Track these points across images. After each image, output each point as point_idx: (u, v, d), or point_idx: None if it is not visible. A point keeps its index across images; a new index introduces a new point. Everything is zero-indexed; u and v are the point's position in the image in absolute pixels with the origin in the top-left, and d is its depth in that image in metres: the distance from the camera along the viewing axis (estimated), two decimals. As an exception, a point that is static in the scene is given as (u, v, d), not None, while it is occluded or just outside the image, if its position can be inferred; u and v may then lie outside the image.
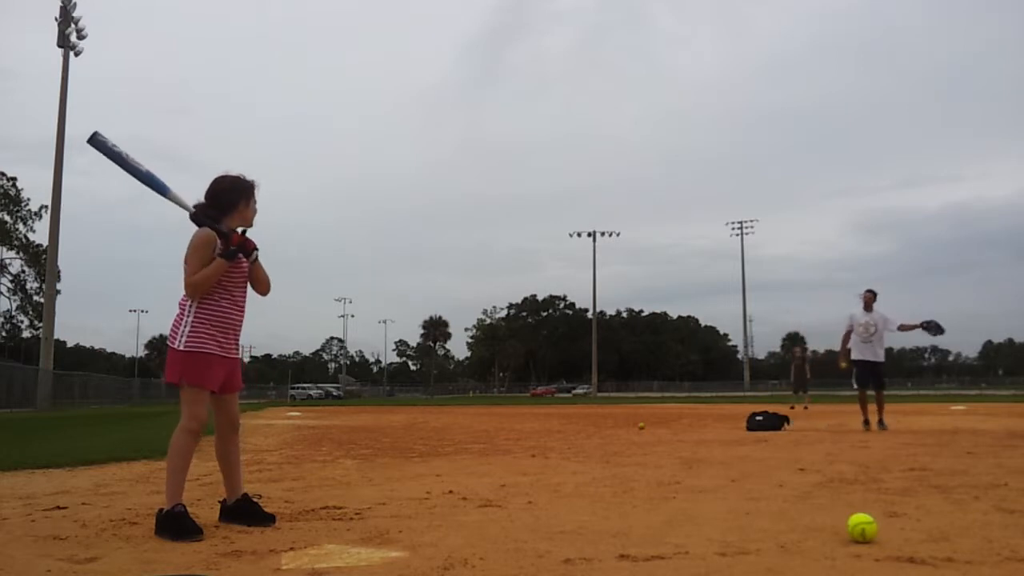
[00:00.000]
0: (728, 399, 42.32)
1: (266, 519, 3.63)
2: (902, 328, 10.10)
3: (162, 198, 3.54)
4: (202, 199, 3.60)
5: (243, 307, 3.69)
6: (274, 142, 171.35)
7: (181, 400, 3.49)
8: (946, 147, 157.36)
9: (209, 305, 3.53)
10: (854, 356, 10.21)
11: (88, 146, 3.51)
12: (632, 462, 6.53)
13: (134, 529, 3.56)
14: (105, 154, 3.49)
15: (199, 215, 3.54)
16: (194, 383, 3.46)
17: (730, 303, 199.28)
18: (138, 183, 3.54)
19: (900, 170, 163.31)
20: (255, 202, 3.71)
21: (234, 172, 3.69)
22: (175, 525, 3.32)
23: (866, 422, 10.14)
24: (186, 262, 3.52)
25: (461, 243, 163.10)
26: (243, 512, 3.66)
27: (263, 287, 3.76)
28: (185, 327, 3.48)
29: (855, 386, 10.44)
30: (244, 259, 3.60)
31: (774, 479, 5.15)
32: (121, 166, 3.50)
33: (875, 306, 10.14)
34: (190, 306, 3.51)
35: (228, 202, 3.59)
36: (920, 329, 9.99)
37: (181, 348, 3.46)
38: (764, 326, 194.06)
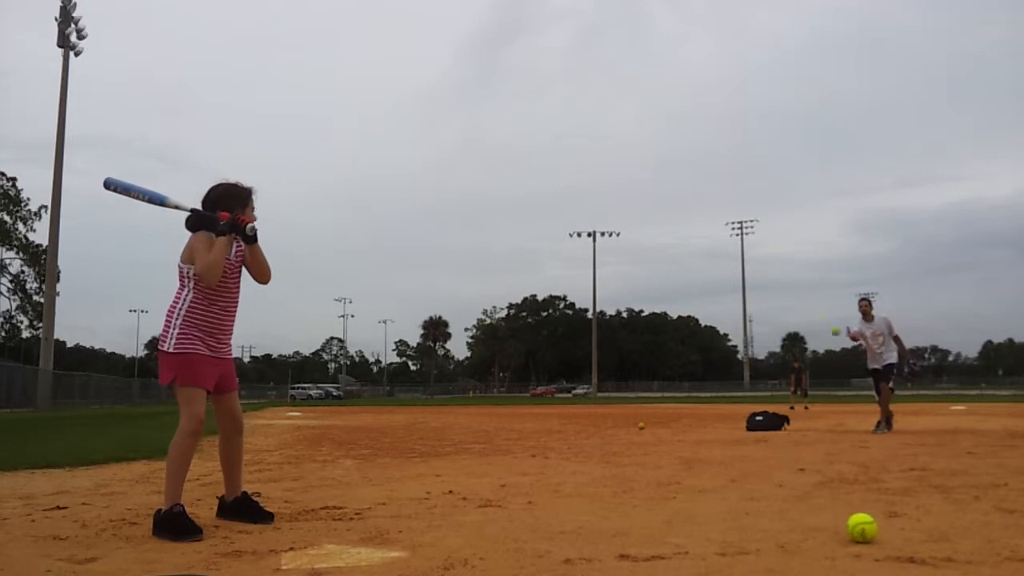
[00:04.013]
0: (728, 399, 42.32)
1: (265, 516, 3.66)
2: (896, 340, 9.96)
3: (163, 207, 3.55)
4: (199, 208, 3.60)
5: (233, 310, 3.69)
6: (274, 142, 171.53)
7: (178, 402, 3.51)
8: (946, 147, 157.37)
9: (196, 310, 3.55)
10: (870, 365, 10.08)
11: (106, 187, 3.58)
12: (632, 462, 6.53)
13: (134, 529, 3.56)
14: (120, 191, 3.56)
15: (192, 220, 3.53)
16: (187, 383, 3.49)
17: (730, 303, 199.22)
18: (144, 202, 3.57)
19: (900, 170, 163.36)
20: (252, 208, 3.70)
21: (231, 179, 3.68)
22: (174, 525, 3.32)
23: (880, 423, 10.02)
24: (186, 261, 3.55)
25: (461, 243, 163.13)
26: (242, 509, 3.69)
27: (262, 275, 3.71)
28: (173, 330, 3.52)
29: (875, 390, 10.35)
30: (239, 239, 3.57)
31: (774, 479, 5.14)
32: (130, 195, 3.56)
33: (873, 313, 9.97)
34: (178, 311, 3.55)
35: (220, 210, 3.57)
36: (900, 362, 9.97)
37: (170, 351, 3.51)
38: (764, 326, 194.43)
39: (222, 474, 3.81)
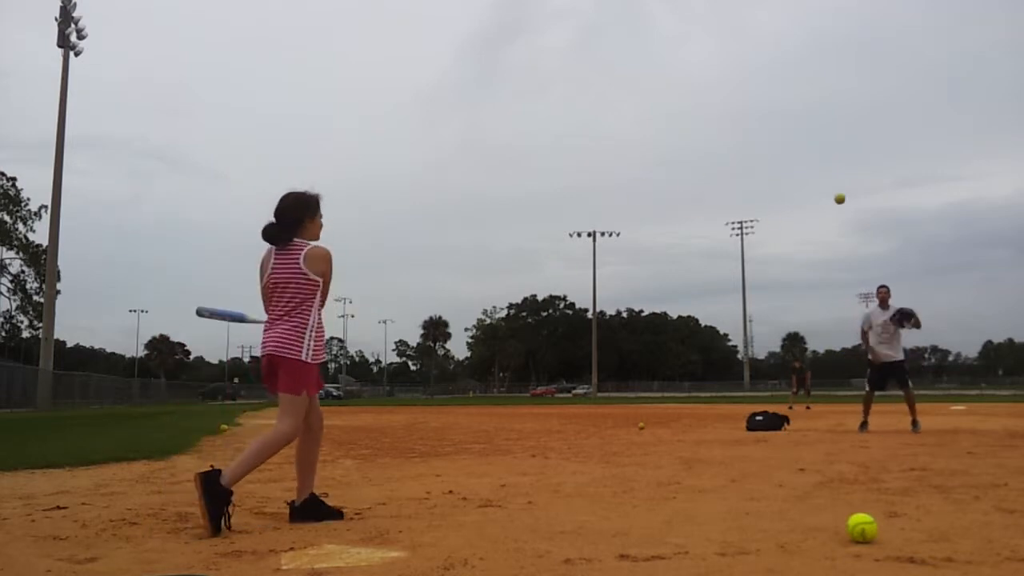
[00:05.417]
0: (728, 399, 42.30)
1: (336, 514, 3.76)
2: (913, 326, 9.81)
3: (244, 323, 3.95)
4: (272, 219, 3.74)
5: None
6: (274, 142, 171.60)
7: (289, 406, 3.60)
8: (946, 147, 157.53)
9: (321, 325, 3.72)
10: (872, 356, 9.97)
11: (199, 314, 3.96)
12: (632, 462, 6.53)
13: (134, 529, 3.56)
14: (212, 318, 3.96)
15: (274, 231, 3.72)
16: (313, 392, 3.67)
17: (730, 303, 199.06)
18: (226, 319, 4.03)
19: (900, 170, 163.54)
20: (320, 216, 3.83)
21: (299, 188, 3.81)
22: (217, 494, 3.37)
23: (864, 424, 10.02)
24: (319, 275, 3.68)
25: (461, 243, 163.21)
26: (314, 509, 3.76)
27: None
28: (311, 341, 3.63)
29: (867, 387, 10.27)
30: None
31: (774, 479, 5.14)
32: (223, 319, 3.95)
33: (890, 303, 9.86)
34: (313, 324, 3.66)
35: (293, 219, 3.73)
36: (911, 326, 9.84)
37: (311, 361, 3.62)
38: (764, 326, 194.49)
39: (297, 476, 3.85)
